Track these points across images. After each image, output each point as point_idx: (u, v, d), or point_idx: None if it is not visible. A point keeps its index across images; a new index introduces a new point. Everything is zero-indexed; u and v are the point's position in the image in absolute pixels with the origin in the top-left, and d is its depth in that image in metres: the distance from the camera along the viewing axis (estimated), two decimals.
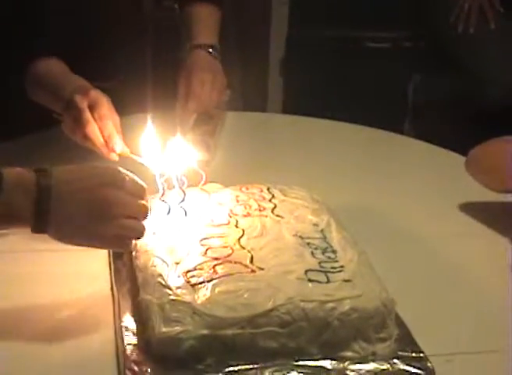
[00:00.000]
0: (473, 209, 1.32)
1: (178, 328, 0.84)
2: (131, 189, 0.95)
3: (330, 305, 0.87)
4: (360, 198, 1.34)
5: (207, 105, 1.46)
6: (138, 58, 1.61)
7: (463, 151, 1.39)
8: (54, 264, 1.09)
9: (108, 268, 1.08)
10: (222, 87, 1.52)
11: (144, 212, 0.96)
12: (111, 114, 1.20)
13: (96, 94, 1.21)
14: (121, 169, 0.96)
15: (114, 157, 1.18)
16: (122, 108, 1.27)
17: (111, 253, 1.10)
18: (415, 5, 2.71)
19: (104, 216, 0.93)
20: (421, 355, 0.88)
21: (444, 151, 1.59)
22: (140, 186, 0.97)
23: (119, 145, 1.18)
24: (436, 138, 1.65)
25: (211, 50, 1.56)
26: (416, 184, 1.44)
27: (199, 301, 0.86)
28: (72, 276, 1.06)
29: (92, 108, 1.19)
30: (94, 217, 0.92)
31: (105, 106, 1.20)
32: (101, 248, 1.01)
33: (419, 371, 0.86)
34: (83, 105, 1.19)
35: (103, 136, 1.18)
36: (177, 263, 0.94)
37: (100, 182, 0.93)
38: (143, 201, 0.97)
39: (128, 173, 0.97)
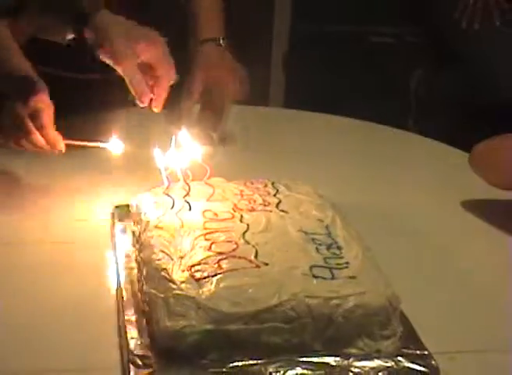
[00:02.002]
0: (477, 206, 1.32)
1: (182, 322, 0.84)
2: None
3: (335, 301, 0.87)
4: (364, 194, 1.34)
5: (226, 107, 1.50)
6: None
7: (466, 148, 1.39)
8: (57, 256, 1.09)
9: (111, 261, 1.08)
10: (242, 81, 1.56)
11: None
12: (50, 121, 1.21)
13: (36, 101, 1.21)
14: None
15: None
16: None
17: (115, 246, 1.10)
18: (419, 0, 2.70)
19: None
20: (426, 352, 0.88)
21: (448, 147, 1.59)
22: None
23: (63, 147, 1.22)
24: (440, 134, 1.65)
25: (221, 42, 1.56)
26: (420, 181, 1.44)
27: (203, 296, 0.86)
28: (75, 268, 1.06)
29: (33, 117, 1.21)
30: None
31: (46, 114, 1.21)
32: None
33: (423, 369, 0.86)
34: (25, 114, 1.21)
35: (46, 142, 1.21)
36: (181, 257, 0.93)
37: None
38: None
39: None
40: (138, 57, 1.23)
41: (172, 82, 1.26)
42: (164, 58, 1.24)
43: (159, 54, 1.24)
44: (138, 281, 0.97)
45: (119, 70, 1.22)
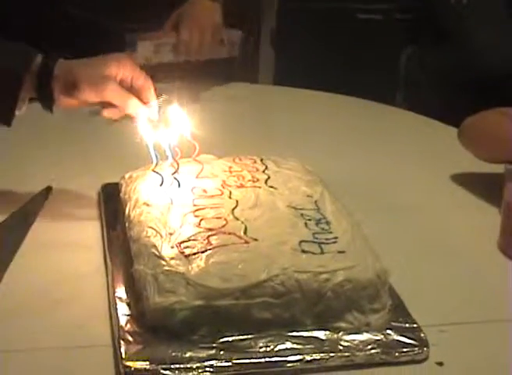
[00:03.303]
0: (465, 180, 1.33)
1: (172, 298, 0.84)
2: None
3: (324, 276, 0.87)
4: (353, 169, 1.35)
5: (197, 52, 1.62)
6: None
7: (455, 123, 1.39)
8: (47, 234, 1.09)
9: (101, 239, 1.08)
10: (215, 32, 1.65)
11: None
12: None
13: None
14: None
15: None
16: None
17: (104, 224, 1.10)
18: None
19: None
20: (415, 325, 0.88)
21: (436, 122, 1.60)
22: None
23: None
24: (428, 110, 1.65)
25: None
26: (408, 155, 1.44)
27: (193, 272, 0.86)
28: (65, 246, 1.06)
29: None
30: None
31: None
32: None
33: (412, 341, 0.86)
34: None
35: None
36: (171, 234, 0.93)
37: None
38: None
39: None
40: (115, 78, 1.10)
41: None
42: (137, 69, 1.13)
43: (131, 68, 1.12)
44: (128, 258, 0.97)
45: (104, 96, 1.09)
